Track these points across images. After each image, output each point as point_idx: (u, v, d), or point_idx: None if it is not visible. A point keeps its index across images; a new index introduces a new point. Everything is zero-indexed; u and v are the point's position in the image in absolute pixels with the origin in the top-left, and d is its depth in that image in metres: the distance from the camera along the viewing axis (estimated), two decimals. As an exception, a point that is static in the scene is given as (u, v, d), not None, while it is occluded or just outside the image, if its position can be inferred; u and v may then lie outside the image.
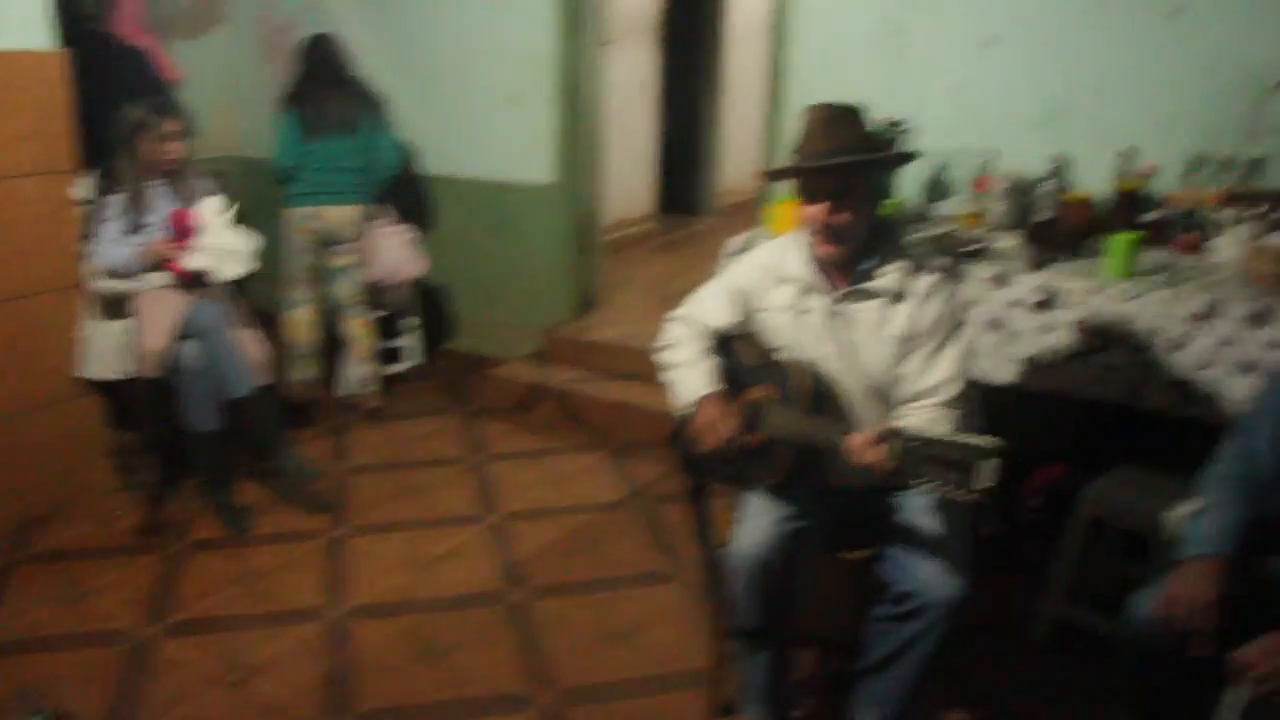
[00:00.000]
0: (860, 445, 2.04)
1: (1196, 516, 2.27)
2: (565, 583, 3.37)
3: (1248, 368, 2.85)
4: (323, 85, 4.55)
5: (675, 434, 2.66)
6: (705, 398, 2.39)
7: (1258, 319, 2.85)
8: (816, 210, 2.25)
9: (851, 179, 2.22)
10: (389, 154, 4.69)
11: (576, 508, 3.89)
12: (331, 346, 4.82)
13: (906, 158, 2.39)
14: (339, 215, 4.58)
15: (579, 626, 3.13)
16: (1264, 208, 3.30)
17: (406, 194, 4.98)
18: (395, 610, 3.20)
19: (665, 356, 2.56)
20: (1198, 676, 2.15)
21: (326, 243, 4.61)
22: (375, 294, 4.86)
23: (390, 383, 5.01)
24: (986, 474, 1.83)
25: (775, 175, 2.42)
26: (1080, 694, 2.90)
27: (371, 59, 5.04)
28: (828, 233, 2.26)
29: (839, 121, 2.23)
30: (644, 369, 4.31)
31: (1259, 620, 2.04)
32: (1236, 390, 2.87)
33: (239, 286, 3.89)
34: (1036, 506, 3.74)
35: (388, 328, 5.09)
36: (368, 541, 3.61)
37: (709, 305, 2.54)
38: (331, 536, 3.64)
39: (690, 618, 3.17)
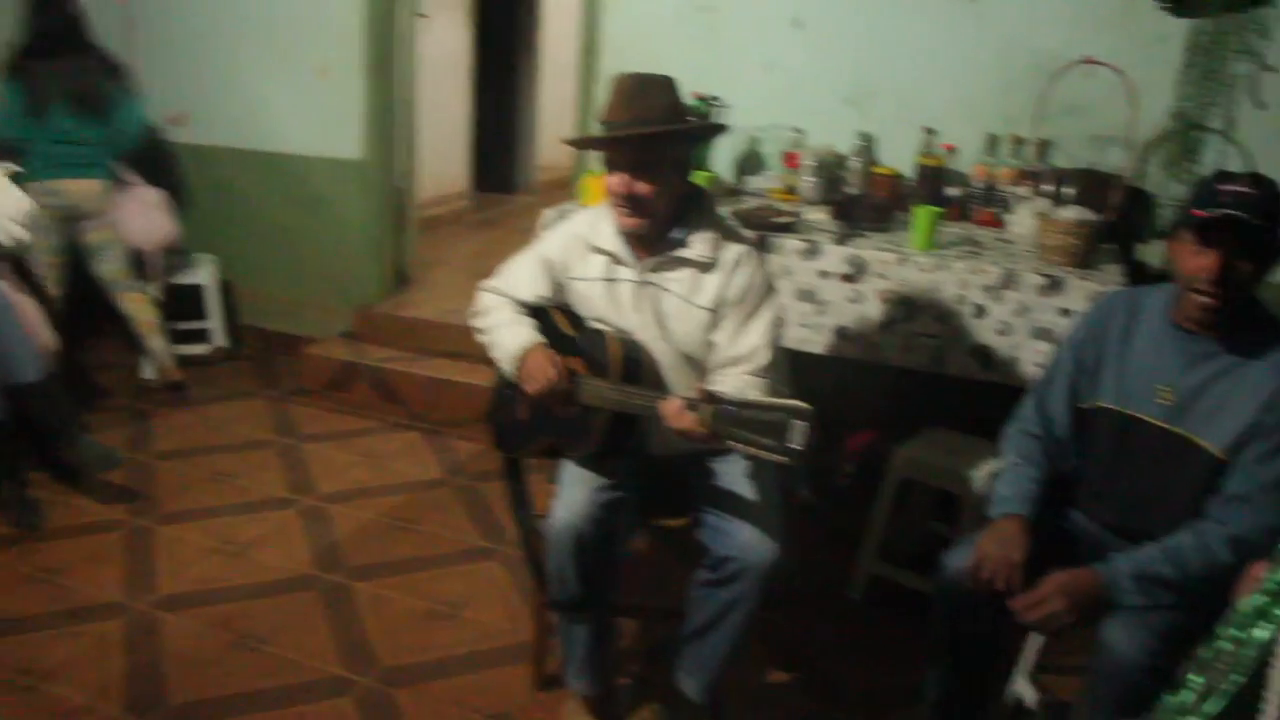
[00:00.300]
0: (673, 411, 2.06)
1: (1000, 475, 2.37)
2: (384, 563, 3.31)
3: (1042, 333, 3.02)
4: (52, 52, 4.18)
5: (490, 409, 2.65)
6: (531, 347, 2.38)
7: (1050, 288, 3.01)
8: (616, 181, 2.26)
9: (652, 151, 2.23)
10: (131, 126, 4.36)
11: (394, 487, 3.82)
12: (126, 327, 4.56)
13: (709, 130, 2.41)
14: (81, 189, 4.24)
15: (400, 607, 3.08)
16: (1053, 185, 3.49)
17: (154, 165, 4.56)
18: (206, 600, 3.07)
19: (481, 322, 2.53)
20: (1003, 625, 2.26)
21: (72, 218, 4.28)
22: (140, 265, 4.55)
23: (196, 365, 4.80)
24: (798, 435, 1.87)
25: (577, 144, 2.41)
26: (896, 648, 3.01)
27: (159, 26, 4.84)
28: (628, 204, 2.27)
29: (643, 92, 2.23)
30: (460, 346, 4.30)
31: (1060, 569, 2.15)
32: (1032, 355, 3.03)
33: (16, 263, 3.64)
34: (850, 472, 3.87)
35: (189, 309, 4.88)
36: (175, 530, 3.45)
37: (519, 276, 2.52)
38: (135, 526, 3.46)
39: (513, 593, 3.16)
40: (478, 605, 3.11)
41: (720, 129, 2.48)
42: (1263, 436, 2.07)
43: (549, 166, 7.67)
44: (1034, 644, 2.76)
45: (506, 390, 2.54)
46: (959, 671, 2.39)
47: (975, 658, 2.38)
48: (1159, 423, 2.19)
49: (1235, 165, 3.32)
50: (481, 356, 2.59)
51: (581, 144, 2.37)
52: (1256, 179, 2.05)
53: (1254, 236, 2.00)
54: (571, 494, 2.34)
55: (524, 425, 2.49)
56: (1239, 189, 2.01)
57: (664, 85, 2.26)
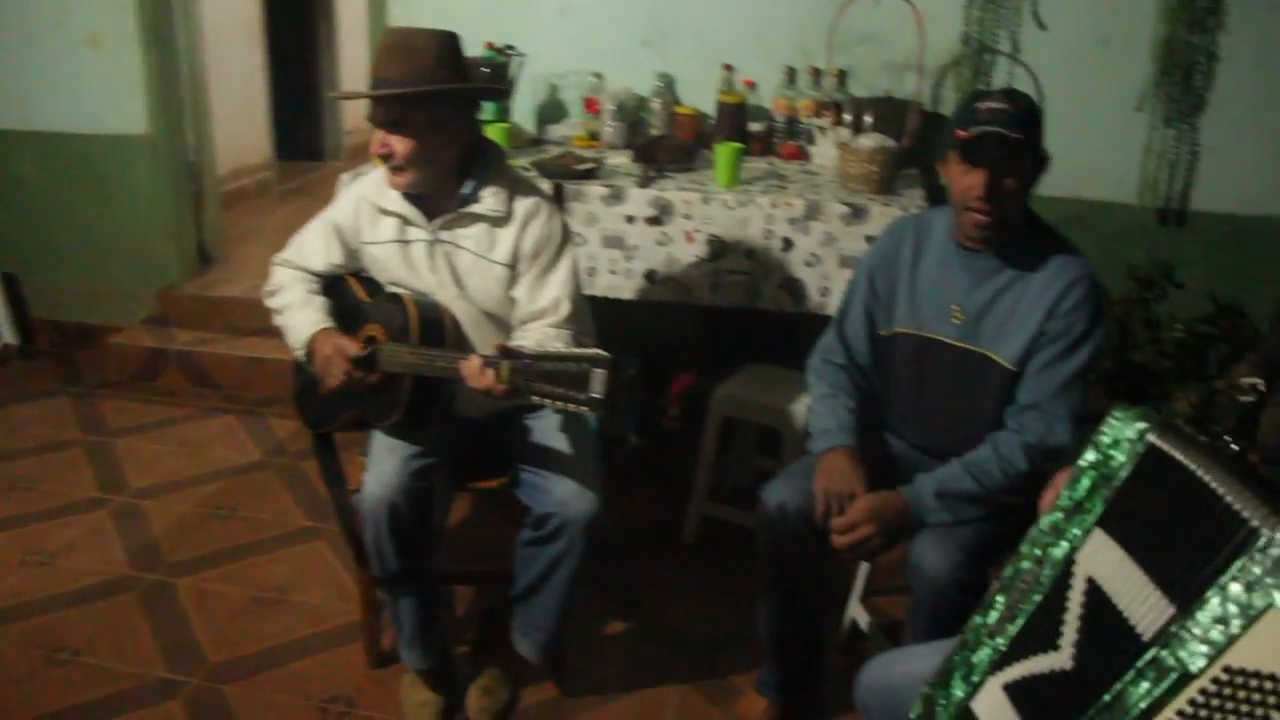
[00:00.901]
0: (472, 371, 2.00)
1: (812, 408, 2.39)
2: (205, 555, 3.17)
3: (849, 262, 3.06)
4: None
5: (295, 387, 2.56)
6: (318, 334, 2.30)
7: (854, 216, 3.05)
8: (375, 140, 2.19)
9: (408, 109, 2.16)
10: None
11: (211, 475, 3.66)
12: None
13: (463, 92, 2.30)
14: None
15: (225, 598, 2.96)
16: (852, 114, 3.53)
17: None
18: (12, 616, 2.87)
19: (273, 302, 2.44)
20: (828, 553, 2.29)
21: None
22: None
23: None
24: (599, 384, 1.84)
25: (343, 97, 2.32)
26: (732, 587, 3.04)
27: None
28: (386, 164, 2.21)
29: (401, 49, 2.15)
30: (271, 321, 4.12)
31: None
32: (841, 284, 3.06)
33: None
34: (675, 415, 3.89)
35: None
36: (-29, 546, 3.24)
37: (311, 246, 2.43)
38: (-75, 546, 3.24)
39: (342, 571, 3.08)
40: (306, 588, 3.02)
41: (478, 91, 2.40)
42: (1047, 345, 2.14)
43: (356, 130, 7.40)
44: (864, 569, 2.82)
45: (308, 366, 2.45)
46: (790, 603, 2.42)
47: (804, 588, 2.41)
48: (954, 342, 2.24)
49: (1024, 85, 3.41)
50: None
51: (347, 97, 2.28)
52: (1010, 94, 2.10)
53: (1014, 150, 2.04)
54: (382, 465, 2.27)
55: (328, 400, 2.41)
56: (994, 105, 2.05)
57: (426, 41, 2.17)
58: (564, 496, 2.26)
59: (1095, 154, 3.55)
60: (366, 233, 2.37)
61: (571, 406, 1.87)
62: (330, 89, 7.03)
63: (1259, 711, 0.99)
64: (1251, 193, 3.55)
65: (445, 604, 2.90)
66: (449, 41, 2.21)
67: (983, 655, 1.41)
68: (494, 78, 3.52)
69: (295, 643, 2.79)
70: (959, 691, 1.44)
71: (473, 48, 2.42)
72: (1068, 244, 2.20)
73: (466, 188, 2.28)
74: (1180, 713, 1.07)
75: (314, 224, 2.45)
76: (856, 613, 2.82)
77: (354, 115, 7.31)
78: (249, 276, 4.70)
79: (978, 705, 1.40)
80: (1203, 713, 1.05)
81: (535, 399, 1.91)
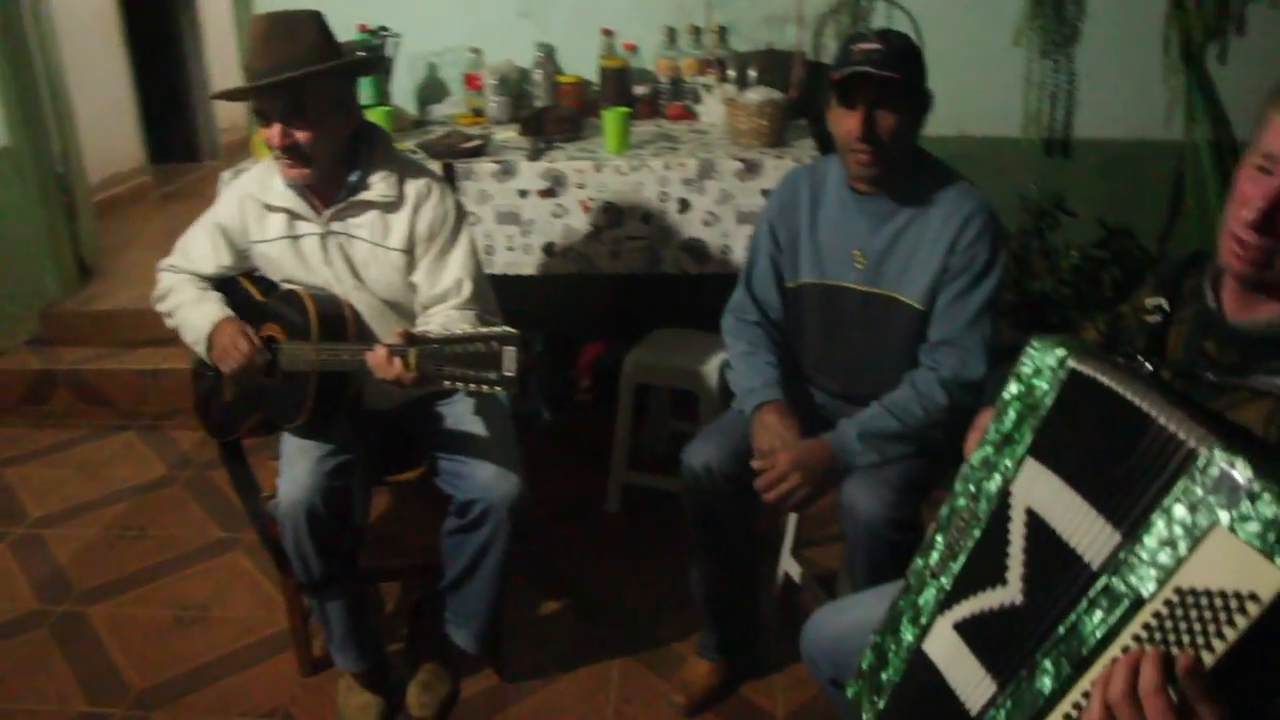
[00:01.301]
0: (379, 362, 1.95)
1: (732, 367, 2.38)
2: (118, 579, 3.05)
3: (747, 218, 3.05)
4: None
5: (195, 396, 2.48)
6: (219, 323, 2.22)
7: (748, 171, 3.04)
8: (272, 132, 2.10)
9: (302, 95, 2.08)
10: None
11: (115, 495, 3.52)
12: None
13: (361, 64, 2.26)
14: None
15: (143, 622, 2.86)
16: (736, 69, 3.51)
17: None
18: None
19: (164, 305, 2.35)
20: (754, 509, 2.29)
21: None
22: None
23: None
24: (510, 361, 1.81)
25: (226, 97, 2.23)
26: (661, 553, 3.04)
27: None
28: (289, 156, 2.12)
29: (282, 33, 2.06)
30: (165, 332, 3.96)
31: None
32: (742, 241, 3.06)
33: None
34: (587, 387, 3.86)
35: None
36: None
37: (196, 250, 2.35)
38: None
39: (264, 580, 3.00)
40: (228, 602, 2.94)
41: (374, 62, 2.34)
42: (952, 280, 2.15)
43: (233, 127, 7.19)
44: (792, 522, 2.83)
45: (207, 373, 2.38)
46: (722, 562, 2.42)
47: (735, 546, 2.41)
48: (859, 287, 2.24)
49: (902, 27, 3.42)
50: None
51: (228, 96, 2.18)
52: (884, 34, 2.10)
53: (888, 89, 2.04)
54: (295, 468, 2.20)
55: (232, 406, 2.34)
56: (868, 46, 2.05)
57: (304, 22, 2.10)
58: (485, 481, 2.22)
59: (977, 90, 3.58)
60: (254, 231, 2.29)
61: (485, 388, 1.83)
62: (200, 85, 6.82)
63: (1210, 628, 1.00)
64: (1129, 118, 3.63)
65: (374, 602, 2.84)
66: (322, 20, 2.13)
67: (928, 596, 1.41)
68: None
69: (223, 659, 2.71)
70: (909, 635, 1.44)
71: (344, 31, 2.33)
72: (960, 179, 2.22)
73: (354, 175, 2.21)
74: (1135, 637, 1.07)
75: (198, 226, 2.36)
76: (789, 566, 2.84)
77: (229, 112, 7.10)
78: (133, 286, 4.54)
79: (929, 647, 1.39)
80: (1157, 635, 1.05)
81: (447, 383, 1.87)
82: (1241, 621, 0.97)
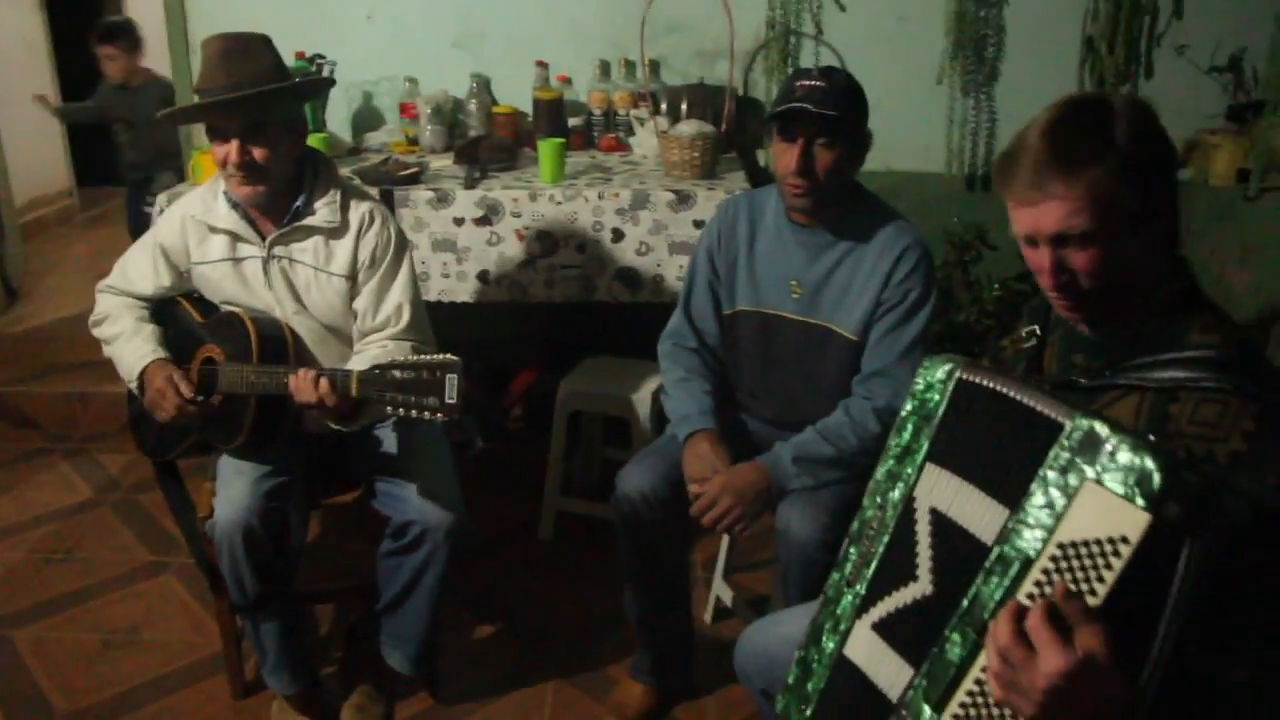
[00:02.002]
0: (300, 386, 1.98)
1: (668, 394, 2.42)
2: (43, 602, 3.01)
3: (680, 247, 3.12)
4: None
5: (130, 416, 2.47)
6: (150, 366, 2.23)
7: (680, 202, 3.11)
8: (228, 150, 2.12)
9: (262, 112, 2.11)
10: None
11: (41, 519, 3.48)
12: None
13: (319, 85, 2.32)
14: None
15: (69, 645, 2.82)
16: (668, 103, 3.59)
17: None
18: None
19: (100, 331, 2.35)
20: (687, 534, 2.34)
21: None
22: None
23: None
24: (452, 389, 1.85)
25: (176, 118, 2.25)
26: (595, 579, 3.07)
27: None
28: (244, 173, 2.14)
29: (240, 52, 2.11)
30: (92, 354, 3.92)
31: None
32: (674, 270, 3.12)
33: None
34: (519, 415, 3.89)
35: None
36: None
37: (136, 270, 2.35)
38: None
39: (195, 603, 2.98)
40: (158, 625, 2.91)
41: (329, 83, 2.38)
42: (887, 313, 2.23)
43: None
44: (724, 547, 2.89)
45: (142, 394, 2.37)
46: (655, 586, 2.46)
47: (667, 570, 2.45)
48: (795, 316, 2.31)
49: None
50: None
51: (184, 117, 2.20)
52: (827, 72, 2.18)
53: (827, 125, 2.12)
54: (232, 489, 2.21)
55: (168, 427, 2.33)
56: (810, 83, 2.13)
57: (260, 43, 2.15)
58: (422, 503, 2.24)
59: (903, 127, 3.68)
60: (195, 253, 2.30)
61: (427, 414, 1.87)
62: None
63: (1092, 574, 1.09)
64: (1046, 155, 3.76)
65: (308, 625, 2.84)
66: (273, 43, 2.18)
67: (846, 604, 1.49)
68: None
69: (152, 683, 2.68)
70: (830, 644, 1.50)
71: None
72: (896, 214, 2.30)
73: (299, 199, 2.24)
74: (1029, 595, 1.16)
75: (138, 247, 2.37)
76: (721, 590, 2.89)
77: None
78: (60, 309, 4.49)
79: (850, 650, 1.46)
80: (1047, 589, 1.14)
81: (389, 409, 1.90)
82: (1117, 563, 1.07)
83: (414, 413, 1.88)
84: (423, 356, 1.90)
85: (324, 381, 1.96)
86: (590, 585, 3.06)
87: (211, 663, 2.71)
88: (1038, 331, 1.58)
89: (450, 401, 1.85)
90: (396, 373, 1.89)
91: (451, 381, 1.84)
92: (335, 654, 2.75)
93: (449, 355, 1.88)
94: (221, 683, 2.63)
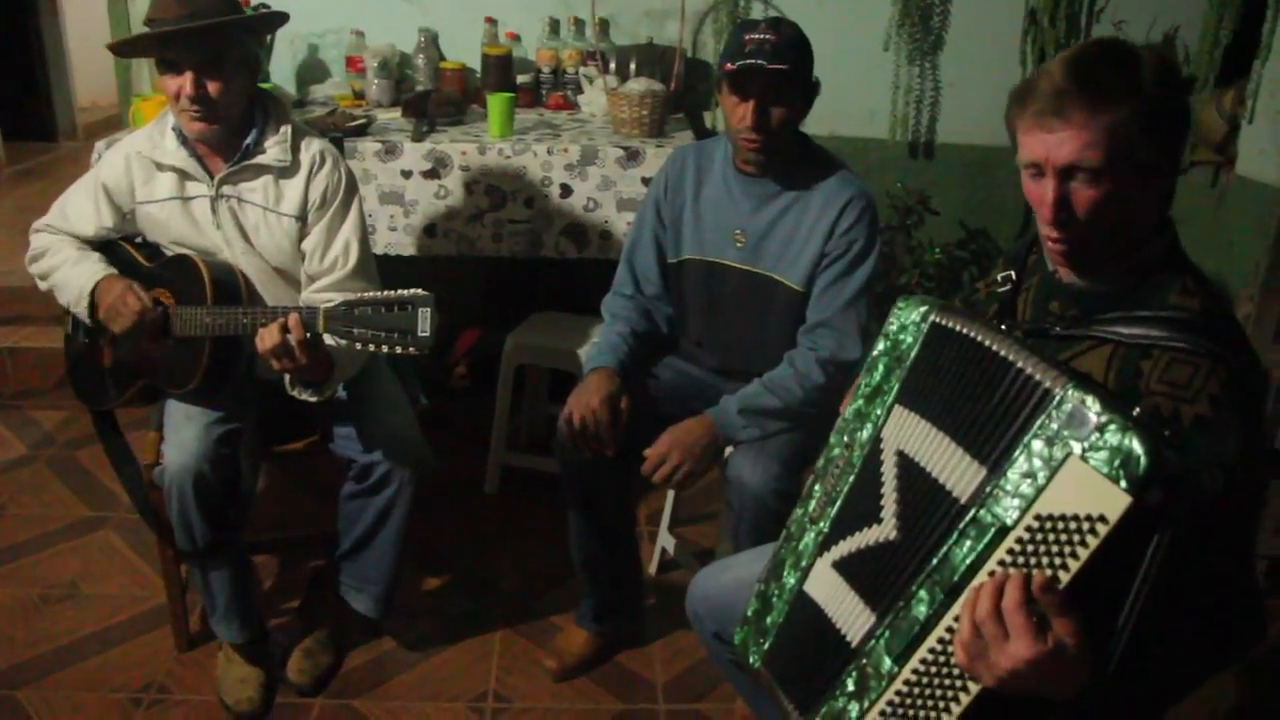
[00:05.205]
0: (266, 333, 1.97)
1: (597, 338, 2.45)
2: (-22, 560, 2.95)
3: (627, 204, 3.12)
4: None
5: (68, 364, 2.42)
6: (102, 281, 2.18)
7: (629, 159, 3.11)
8: (182, 82, 2.08)
9: (218, 44, 2.08)
10: None
11: (-29, 477, 3.40)
12: None
13: (276, 18, 2.28)
14: None
15: (6, 601, 2.76)
16: (615, 62, 3.58)
17: None
18: None
19: (38, 266, 2.29)
20: (630, 482, 2.35)
21: None
22: None
23: None
24: (425, 322, 1.85)
25: (129, 48, 2.20)
26: (542, 531, 3.08)
27: None
28: (198, 107, 2.10)
29: None
30: (21, 308, 3.89)
31: (667, 423, 2.27)
32: (622, 226, 3.13)
33: None
34: (464, 373, 3.87)
35: None
36: None
37: (78, 210, 2.29)
38: None
39: (136, 556, 2.94)
40: (98, 579, 2.86)
41: (284, 17, 2.34)
42: (830, 264, 2.26)
43: (93, 106, 6.93)
44: (670, 499, 2.91)
45: (83, 339, 2.33)
46: (599, 530, 2.47)
47: (611, 514, 2.47)
48: (740, 265, 2.34)
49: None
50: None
51: (136, 48, 2.15)
52: (775, 24, 2.18)
53: (780, 80, 2.13)
54: (182, 434, 2.18)
55: (112, 372, 2.29)
56: (759, 37, 2.13)
57: None
58: (388, 442, 2.24)
59: (848, 92, 3.71)
60: (141, 191, 2.25)
61: (399, 349, 1.87)
62: (57, 62, 6.57)
63: (1066, 550, 1.11)
64: (988, 125, 3.80)
65: (255, 576, 2.81)
66: None
67: (808, 541, 1.51)
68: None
69: (93, 636, 2.64)
70: (791, 579, 1.52)
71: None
72: (841, 165, 2.33)
73: (250, 138, 2.21)
74: (1001, 562, 1.18)
75: (79, 186, 2.31)
76: (665, 541, 2.91)
77: (89, 90, 6.86)
78: (-12, 264, 4.36)
79: (810, 587, 1.48)
80: (1020, 559, 1.16)
81: (359, 345, 1.89)
82: (1092, 541, 1.09)
83: (384, 348, 1.87)
84: (392, 292, 1.89)
85: (294, 317, 1.94)
86: (537, 538, 3.07)
87: (155, 615, 2.67)
88: (1013, 276, 1.60)
89: (424, 335, 1.85)
90: (366, 309, 1.88)
91: (425, 315, 1.84)
92: (282, 606, 2.73)
93: (419, 290, 1.87)
94: (165, 635, 2.61)
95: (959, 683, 1.22)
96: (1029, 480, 1.16)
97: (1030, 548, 1.15)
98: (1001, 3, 3.69)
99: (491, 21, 3.69)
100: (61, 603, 2.77)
